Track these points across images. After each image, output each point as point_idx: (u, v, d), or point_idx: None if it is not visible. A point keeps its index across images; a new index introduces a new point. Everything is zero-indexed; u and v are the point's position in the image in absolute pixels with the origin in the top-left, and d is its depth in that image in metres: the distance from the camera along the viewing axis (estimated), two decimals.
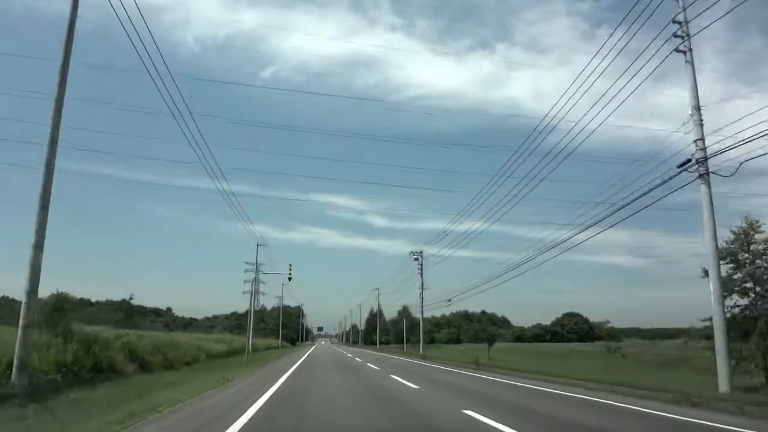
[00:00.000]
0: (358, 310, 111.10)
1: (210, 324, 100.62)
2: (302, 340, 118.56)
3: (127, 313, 74.25)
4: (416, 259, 40.47)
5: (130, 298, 74.44)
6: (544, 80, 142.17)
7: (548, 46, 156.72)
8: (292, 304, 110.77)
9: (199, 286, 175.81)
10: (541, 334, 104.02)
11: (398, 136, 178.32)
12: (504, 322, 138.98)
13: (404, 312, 76.78)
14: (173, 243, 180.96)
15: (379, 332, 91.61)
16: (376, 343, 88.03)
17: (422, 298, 41.65)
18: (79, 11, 11.86)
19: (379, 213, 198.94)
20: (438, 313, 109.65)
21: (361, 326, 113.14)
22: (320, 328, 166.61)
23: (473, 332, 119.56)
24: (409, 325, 77.65)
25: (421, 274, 40.84)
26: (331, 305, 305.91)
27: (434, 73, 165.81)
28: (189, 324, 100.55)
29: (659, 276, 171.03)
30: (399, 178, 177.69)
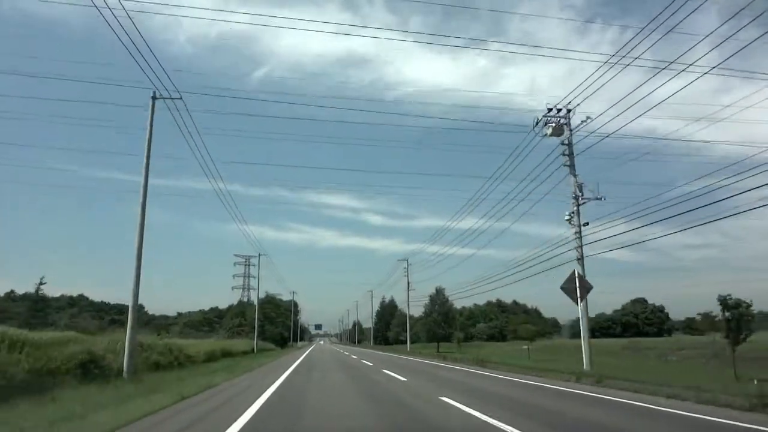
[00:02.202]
0: (367, 301, 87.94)
1: (174, 321, 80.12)
2: (296, 339, 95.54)
3: (32, 307, 51.65)
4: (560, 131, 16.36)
5: (41, 283, 51.94)
6: (539, 75, 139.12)
7: (542, 41, 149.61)
8: (285, 297, 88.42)
9: (195, 286, 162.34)
10: (608, 326, 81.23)
11: (394, 134, 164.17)
12: (537, 314, 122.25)
13: (438, 297, 54.02)
14: (167, 243, 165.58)
15: (397, 327, 68.89)
16: (405, 342, 62.68)
17: (580, 236, 17.38)
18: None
19: (376, 212, 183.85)
20: (478, 300, 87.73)
21: (371, 322, 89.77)
22: (318, 326, 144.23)
23: (512, 328, 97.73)
24: (442, 317, 55.26)
25: (574, 173, 16.81)
26: (328, 306, 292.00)
27: (429, 70, 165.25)
28: (150, 321, 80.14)
29: (651, 268, 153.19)
30: (395, 176, 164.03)
